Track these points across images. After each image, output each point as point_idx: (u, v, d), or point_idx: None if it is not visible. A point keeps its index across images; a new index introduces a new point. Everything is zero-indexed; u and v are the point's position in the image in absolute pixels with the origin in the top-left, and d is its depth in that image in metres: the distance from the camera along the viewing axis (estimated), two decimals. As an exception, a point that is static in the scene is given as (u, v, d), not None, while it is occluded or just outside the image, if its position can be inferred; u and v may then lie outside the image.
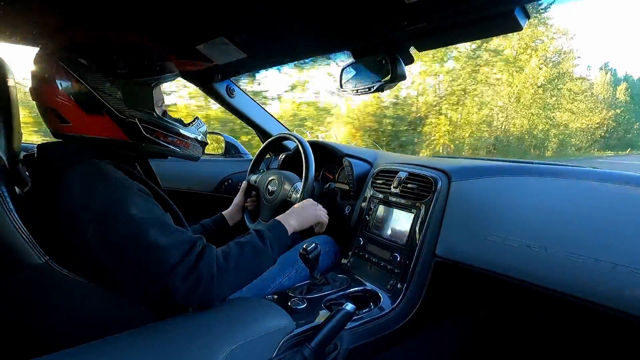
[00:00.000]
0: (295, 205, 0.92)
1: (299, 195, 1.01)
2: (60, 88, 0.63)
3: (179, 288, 0.57)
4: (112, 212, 0.57)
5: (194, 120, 0.82)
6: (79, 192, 0.58)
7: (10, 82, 0.65)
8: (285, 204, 1.09)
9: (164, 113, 0.77)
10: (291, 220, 0.83)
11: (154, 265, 0.57)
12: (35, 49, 0.68)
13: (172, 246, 0.58)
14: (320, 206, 0.95)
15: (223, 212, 1.16)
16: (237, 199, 1.20)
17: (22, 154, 0.69)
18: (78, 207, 0.58)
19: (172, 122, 0.74)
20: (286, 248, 0.78)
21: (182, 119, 0.79)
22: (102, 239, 0.57)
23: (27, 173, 0.75)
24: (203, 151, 0.84)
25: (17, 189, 0.63)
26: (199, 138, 0.81)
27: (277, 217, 0.82)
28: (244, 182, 1.25)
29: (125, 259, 0.57)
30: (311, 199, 0.94)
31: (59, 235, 0.61)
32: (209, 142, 0.87)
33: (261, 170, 1.29)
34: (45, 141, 0.70)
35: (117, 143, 0.68)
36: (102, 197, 0.58)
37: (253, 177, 1.24)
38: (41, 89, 0.64)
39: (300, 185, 1.06)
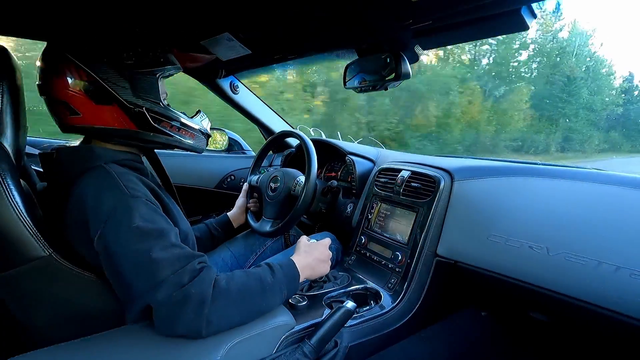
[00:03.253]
0: (314, 253, 0.81)
1: (302, 189, 1.01)
2: (70, 81, 0.65)
3: (161, 305, 0.54)
4: (116, 222, 0.57)
5: (197, 113, 0.84)
6: (89, 200, 0.60)
7: (19, 79, 0.66)
8: (290, 198, 1.09)
9: (168, 105, 0.79)
10: (306, 271, 0.76)
11: (143, 278, 0.55)
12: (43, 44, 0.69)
13: (166, 260, 0.56)
14: (328, 252, 0.85)
15: (228, 214, 1.17)
16: (240, 200, 1.21)
17: (37, 151, 0.70)
18: (88, 215, 0.59)
19: (177, 112, 0.77)
20: (294, 292, 0.73)
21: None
22: (105, 248, 0.57)
23: (32, 167, 0.76)
24: (207, 143, 0.86)
25: (22, 182, 0.64)
26: (203, 130, 0.83)
27: (293, 258, 0.75)
28: (245, 184, 1.26)
29: (121, 271, 0.57)
30: (325, 244, 0.86)
31: (68, 234, 0.63)
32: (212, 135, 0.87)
33: (261, 171, 1.29)
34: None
35: (126, 133, 0.70)
36: (110, 206, 0.58)
37: (254, 179, 1.24)
38: (51, 83, 0.66)
39: (302, 178, 1.06)
